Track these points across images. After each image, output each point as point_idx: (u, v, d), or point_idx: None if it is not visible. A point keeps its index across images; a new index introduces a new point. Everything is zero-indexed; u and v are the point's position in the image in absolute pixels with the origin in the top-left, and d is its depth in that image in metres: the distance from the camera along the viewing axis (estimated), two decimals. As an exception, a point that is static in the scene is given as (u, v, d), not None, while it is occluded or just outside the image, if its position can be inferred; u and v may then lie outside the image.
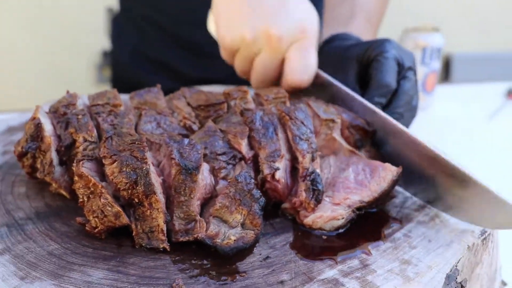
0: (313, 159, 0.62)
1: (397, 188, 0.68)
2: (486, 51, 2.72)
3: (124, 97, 0.72)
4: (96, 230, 0.55)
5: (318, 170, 0.62)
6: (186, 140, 0.59)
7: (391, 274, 0.53)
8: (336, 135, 0.67)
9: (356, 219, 0.61)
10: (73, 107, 0.63)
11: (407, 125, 0.71)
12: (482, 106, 1.34)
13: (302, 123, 0.64)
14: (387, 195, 0.62)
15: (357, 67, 0.74)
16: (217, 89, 0.83)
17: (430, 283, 0.52)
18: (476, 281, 0.61)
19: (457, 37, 2.62)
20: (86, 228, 0.55)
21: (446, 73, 2.79)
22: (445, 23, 2.26)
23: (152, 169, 0.56)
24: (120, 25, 1.22)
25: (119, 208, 0.54)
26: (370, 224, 0.61)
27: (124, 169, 0.54)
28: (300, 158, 0.61)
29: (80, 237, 0.56)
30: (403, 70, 0.71)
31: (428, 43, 1.23)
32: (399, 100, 0.70)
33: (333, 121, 0.67)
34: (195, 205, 0.56)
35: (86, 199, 0.56)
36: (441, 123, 1.27)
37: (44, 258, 0.53)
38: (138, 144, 0.56)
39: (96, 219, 0.55)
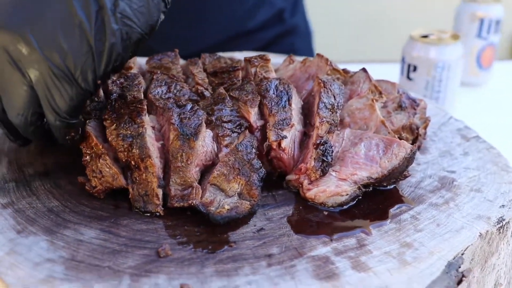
0: (330, 132, 0.60)
1: (415, 166, 0.64)
2: None
3: (142, 61, 0.72)
4: (95, 190, 0.56)
5: (331, 143, 0.60)
6: (189, 106, 0.58)
7: (387, 256, 0.50)
8: (377, 104, 0.65)
9: (362, 196, 0.58)
10: None
11: None
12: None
13: (334, 96, 0.62)
14: (399, 173, 0.59)
15: None
16: (238, 56, 0.81)
17: (428, 269, 0.49)
18: (491, 271, 0.57)
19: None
20: (86, 187, 0.56)
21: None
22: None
23: (149, 133, 0.55)
24: None
25: (116, 170, 0.54)
26: (377, 202, 0.58)
27: (122, 131, 0.54)
28: (317, 124, 0.59)
29: (82, 196, 0.57)
30: None
31: (486, 14, 1.14)
32: None
33: (380, 93, 0.65)
34: (193, 171, 0.55)
35: (89, 158, 0.56)
36: (496, 101, 1.19)
37: (43, 214, 0.54)
38: (138, 107, 0.56)
39: (96, 179, 0.56)
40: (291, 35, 1.26)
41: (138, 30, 0.53)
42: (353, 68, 0.70)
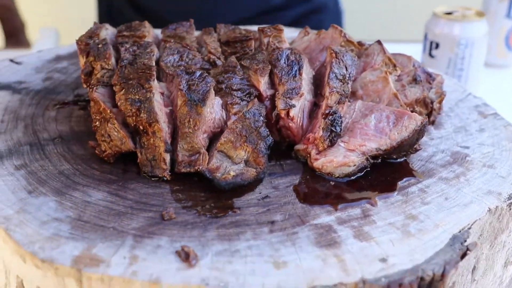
0: (340, 102, 0.59)
1: (428, 141, 0.63)
2: None
3: (158, 32, 0.73)
4: (105, 154, 0.57)
5: (341, 113, 0.59)
6: (198, 73, 0.58)
7: (391, 227, 0.50)
8: (390, 76, 0.64)
9: (371, 168, 0.57)
10: (96, 37, 0.64)
11: None
12: None
13: (346, 67, 0.61)
14: (409, 146, 0.58)
15: None
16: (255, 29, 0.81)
17: (432, 241, 0.48)
18: (501, 248, 0.56)
19: None
20: (96, 151, 0.57)
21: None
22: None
23: (158, 98, 0.56)
24: None
25: (124, 133, 0.55)
26: (386, 174, 0.57)
27: (130, 96, 0.55)
28: (327, 94, 0.59)
29: (92, 160, 0.58)
30: None
31: (516, -8, 1.10)
32: None
33: (395, 66, 0.64)
34: (200, 137, 0.56)
35: (98, 124, 0.57)
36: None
37: (54, 176, 0.56)
38: (147, 72, 0.56)
39: (105, 143, 0.57)
40: (319, 13, 1.24)
41: None
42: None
